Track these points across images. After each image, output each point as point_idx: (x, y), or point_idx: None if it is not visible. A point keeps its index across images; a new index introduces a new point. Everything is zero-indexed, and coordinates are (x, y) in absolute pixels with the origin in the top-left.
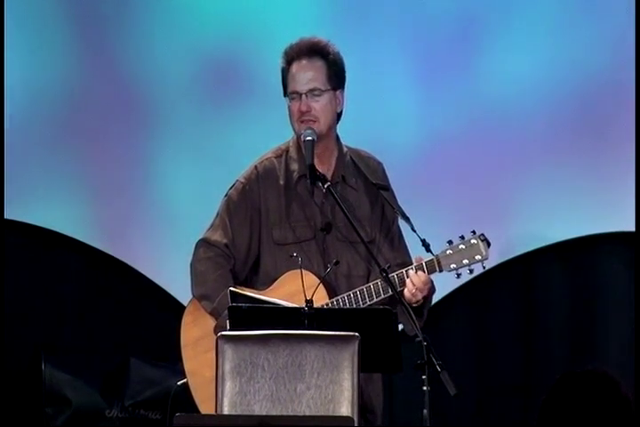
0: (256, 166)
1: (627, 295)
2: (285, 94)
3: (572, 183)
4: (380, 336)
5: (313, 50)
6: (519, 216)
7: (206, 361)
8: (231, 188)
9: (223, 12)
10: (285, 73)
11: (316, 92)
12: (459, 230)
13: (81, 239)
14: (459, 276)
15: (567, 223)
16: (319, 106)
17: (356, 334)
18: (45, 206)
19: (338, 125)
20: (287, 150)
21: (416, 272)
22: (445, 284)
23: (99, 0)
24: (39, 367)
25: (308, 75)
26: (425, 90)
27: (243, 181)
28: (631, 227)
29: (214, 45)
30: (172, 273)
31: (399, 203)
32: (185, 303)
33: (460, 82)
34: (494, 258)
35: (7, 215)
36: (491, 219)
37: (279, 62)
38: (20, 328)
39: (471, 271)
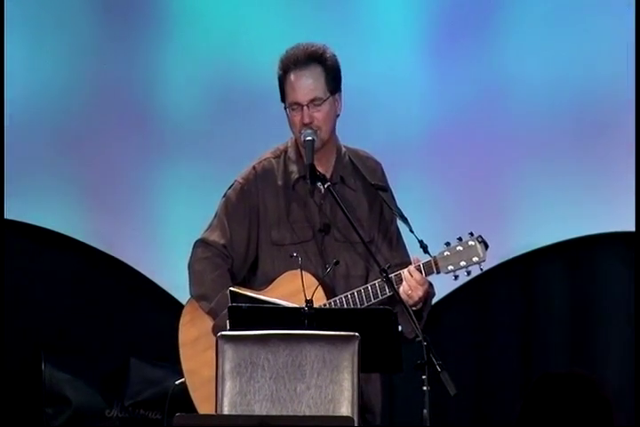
0: (254, 167)
1: (627, 295)
2: (283, 100)
3: (571, 183)
4: (380, 336)
5: (310, 58)
6: (519, 216)
7: (204, 360)
8: (229, 188)
9: (227, 18)
10: (283, 81)
11: (317, 102)
12: (458, 230)
13: (81, 239)
14: (456, 278)
15: (567, 223)
16: (321, 115)
17: (356, 334)
18: (45, 206)
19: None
20: (286, 151)
21: (411, 274)
22: (445, 284)
23: (99, 2)
24: (39, 367)
25: (308, 84)
26: (425, 90)
27: (241, 181)
28: (631, 227)
29: (216, 50)
30: (172, 273)
31: (398, 203)
32: (185, 303)
33: (460, 81)
34: (494, 258)
35: (7, 215)
36: (490, 219)
37: (275, 69)
38: (20, 328)
39: (468, 273)
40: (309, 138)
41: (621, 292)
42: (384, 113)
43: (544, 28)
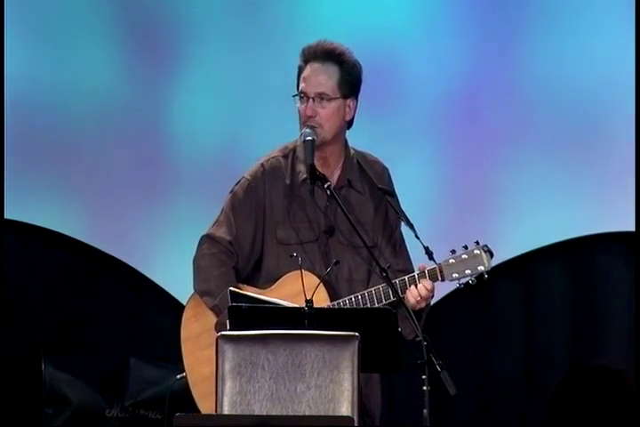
0: (262, 164)
1: (627, 295)
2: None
3: (572, 183)
4: (380, 336)
5: (328, 55)
6: (519, 216)
7: (205, 357)
8: (236, 184)
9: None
10: (300, 71)
11: (323, 98)
12: (457, 231)
13: (81, 239)
14: (460, 285)
15: (567, 223)
16: (325, 113)
17: (356, 334)
18: (45, 206)
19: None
20: (294, 150)
21: (419, 280)
22: (445, 283)
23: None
24: (39, 367)
25: (320, 79)
26: (424, 88)
27: (248, 178)
28: (631, 227)
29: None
30: (173, 273)
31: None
32: (185, 303)
33: (459, 80)
34: (494, 258)
35: (7, 215)
36: (491, 219)
37: (297, 60)
38: (20, 328)
39: (473, 282)
40: (309, 138)
41: (621, 292)
42: (381, 112)
43: (549, 27)
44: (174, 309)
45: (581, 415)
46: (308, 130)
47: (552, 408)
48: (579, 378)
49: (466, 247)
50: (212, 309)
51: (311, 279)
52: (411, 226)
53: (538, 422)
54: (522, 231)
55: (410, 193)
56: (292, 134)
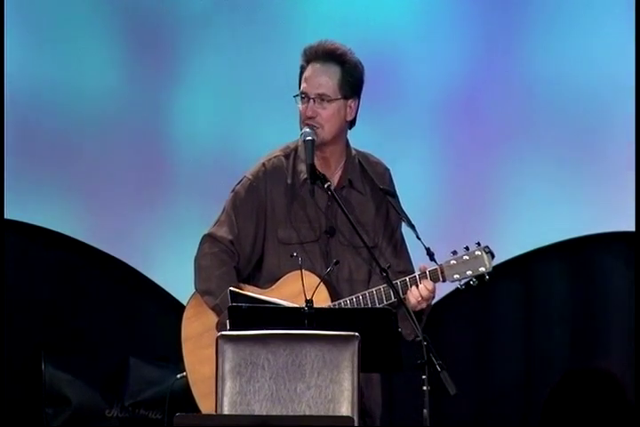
0: (264, 164)
1: (627, 295)
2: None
3: (572, 183)
4: (380, 336)
5: (330, 56)
6: (519, 216)
7: (206, 357)
8: (238, 183)
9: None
10: (301, 71)
11: (324, 99)
12: (457, 231)
13: (81, 239)
14: (462, 286)
15: (567, 223)
16: (325, 113)
17: (356, 333)
18: (45, 206)
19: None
20: (296, 150)
21: (420, 281)
22: (445, 284)
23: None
24: (39, 367)
25: (321, 79)
26: (424, 86)
27: (250, 177)
28: (631, 227)
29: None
30: (173, 273)
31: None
32: (185, 303)
33: (460, 78)
34: (495, 258)
35: (7, 215)
36: (491, 219)
37: (298, 59)
38: (20, 328)
39: (474, 283)
40: (309, 138)
41: (621, 292)
42: (380, 111)
43: (549, 27)
44: (174, 309)
45: (575, 417)
46: (308, 130)
47: (547, 410)
48: (573, 381)
49: (467, 248)
50: (213, 308)
51: (312, 279)
52: (412, 226)
53: (538, 423)
54: (522, 231)
55: (410, 193)
56: (292, 134)
